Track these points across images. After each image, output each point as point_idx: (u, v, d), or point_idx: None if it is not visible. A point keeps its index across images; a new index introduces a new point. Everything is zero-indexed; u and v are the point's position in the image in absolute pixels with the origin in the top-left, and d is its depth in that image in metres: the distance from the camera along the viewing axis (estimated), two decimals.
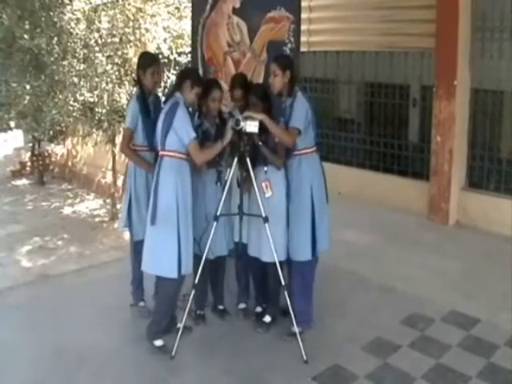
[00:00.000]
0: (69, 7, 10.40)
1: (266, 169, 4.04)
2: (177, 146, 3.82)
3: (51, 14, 10.02)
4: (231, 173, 3.99)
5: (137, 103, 4.30)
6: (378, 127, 7.90)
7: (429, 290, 4.93)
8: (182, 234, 3.82)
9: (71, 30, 10.22)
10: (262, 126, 3.86)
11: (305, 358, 3.83)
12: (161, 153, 3.90)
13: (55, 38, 10.06)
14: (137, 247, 4.29)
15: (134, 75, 9.78)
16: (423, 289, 4.93)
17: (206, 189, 4.21)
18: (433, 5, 6.68)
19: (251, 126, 3.80)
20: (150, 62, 4.38)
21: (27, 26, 9.86)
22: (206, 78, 4.94)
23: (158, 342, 3.97)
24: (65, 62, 10.19)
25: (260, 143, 3.96)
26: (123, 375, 3.74)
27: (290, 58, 4.39)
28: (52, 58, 10.00)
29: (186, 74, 4.08)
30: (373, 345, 4.07)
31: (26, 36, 9.78)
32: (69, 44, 10.19)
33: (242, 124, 3.80)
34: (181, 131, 3.78)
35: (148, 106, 4.32)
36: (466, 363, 3.82)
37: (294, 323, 3.97)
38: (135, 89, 4.73)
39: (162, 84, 9.35)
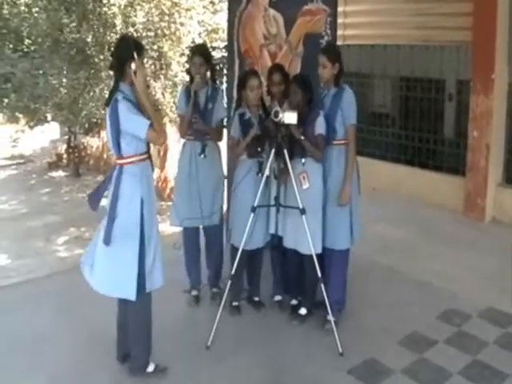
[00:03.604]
0: (105, 0, 10.50)
1: (303, 160, 4.05)
2: (135, 147, 3.36)
3: (95, 6, 10.13)
4: (269, 164, 4.00)
5: (184, 92, 4.55)
6: (413, 122, 7.81)
7: (465, 286, 4.87)
8: (147, 247, 3.43)
9: (108, 24, 10.32)
10: (300, 117, 3.87)
11: (340, 350, 3.84)
12: (118, 162, 3.39)
13: (101, 31, 10.17)
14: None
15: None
16: (459, 285, 4.88)
17: (247, 179, 4.23)
18: None
19: (290, 118, 3.81)
20: (190, 54, 4.68)
21: (72, 18, 9.97)
22: (244, 69, 4.97)
23: (150, 368, 3.65)
24: (101, 56, 10.30)
25: (302, 137, 3.97)
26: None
27: (339, 49, 4.32)
28: (94, 52, 10.13)
29: (122, 59, 3.32)
30: (408, 339, 4.04)
31: (72, 29, 9.90)
32: (107, 38, 10.29)
33: (280, 115, 3.81)
34: (132, 129, 3.28)
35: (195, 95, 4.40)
36: (503, 360, 3.78)
37: (330, 314, 3.99)
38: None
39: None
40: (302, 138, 3.96)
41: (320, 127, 4.02)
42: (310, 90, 4.13)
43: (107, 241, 3.36)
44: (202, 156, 4.42)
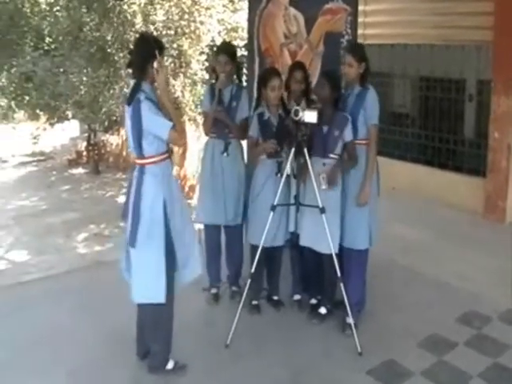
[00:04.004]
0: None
1: (324, 161, 4.04)
2: (156, 147, 3.34)
3: (116, 4, 10.19)
4: (289, 163, 4.00)
5: (208, 89, 4.54)
6: (433, 122, 7.77)
7: (485, 287, 4.83)
8: (175, 244, 3.44)
9: (128, 23, 10.39)
10: (320, 116, 3.86)
11: (359, 350, 3.83)
12: (140, 162, 3.37)
13: (120, 29, 10.23)
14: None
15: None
16: (479, 286, 4.85)
17: (267, 180, 4.23)
18: None
19: (310, 116, 3.80)
20: (216, 52, 4.63)
21: (93, 16, 10.03)
22: (264, 68, 4.97)
23: (170, 365, 3.65)
24: (121, 54, 10.36)
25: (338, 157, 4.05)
26: None
27: (365, 48, 4.24)
28: (114, 50, 10.20)
29: (144, 57, 3.28)
30: (428, 341, 4.02)
31: (92, 27, 9.96)
32: (127, 36, 10.35)
33: (300, 114, 3.80)
34: (154, 129, 3.26)
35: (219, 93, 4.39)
36: None
37: (350, 314, 3.98)
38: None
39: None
40: (338, 155, 4.05)
41: (350, 134, 4.02)
42: (338, 88, 4.10)
43: (133, 243, 3.36)
44: (225, 154, 4.42)
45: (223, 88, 4.38)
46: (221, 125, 4.39)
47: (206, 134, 4.56)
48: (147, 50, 3.28)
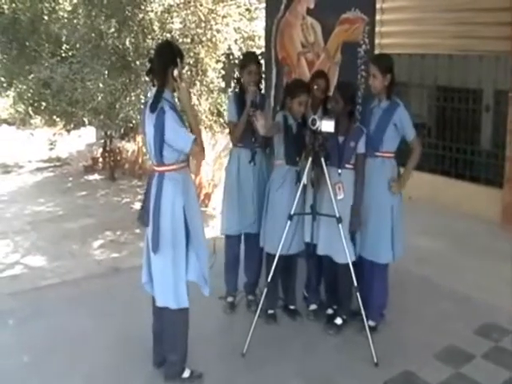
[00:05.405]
0: (142, 7, 10.61)
1: (340, 171, 4.04)
2: (177, 155, 3.35)
3: (135, 12, 10.22)
4: (306, 172, 3.99)
5: (234, 99, 4.45)
6: (451, 132, 7.76)
7: (503, 299, 4.79)
8: (199, 251, 3.48)
9: (146, 31, 10.44)
10: (336, 125, 3.85)
11: (375, 360, 3.80)
12: (159, 169, 3.38)
13: (140, 37, 10.27)
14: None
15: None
16: (497, 298, 4.80)
17: (283, 188, 4.20)
18: (509, 7, 6.51)
19: (327, 126, 3.79)
20: (245, 62, 4.49)
21: (112, 24, 10.07)
22: (294, 79, 4.93)
23: (186, 374, 3.65)
24: (137, 62, 10.40)
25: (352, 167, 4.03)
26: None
27: (391, 59, 4.15)
28: (133, 58, 10.25)
29: (166, 65, 3.29)
30: (445, 353, 3.99)
31: (112, 35, 10.00)
32: (145, 44, 10.40)
33: (318, 123, 3.80)
34: (176, 142, 3.26)
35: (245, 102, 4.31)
36: None
37: (365, 322, 3.94)
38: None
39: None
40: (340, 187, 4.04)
41: (363, 147, 4.03)
42: (352, 101, 4.08)
43: (155, 249, 3.38)
44: (252, 164, 4.41)
45: (254, 99, 4.27)
46: (247, 134, 4.35)
47: (234, 145, 4.51)
48: (169, 56, 3.31)
